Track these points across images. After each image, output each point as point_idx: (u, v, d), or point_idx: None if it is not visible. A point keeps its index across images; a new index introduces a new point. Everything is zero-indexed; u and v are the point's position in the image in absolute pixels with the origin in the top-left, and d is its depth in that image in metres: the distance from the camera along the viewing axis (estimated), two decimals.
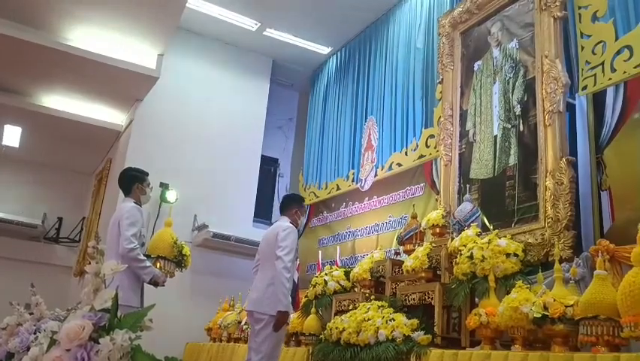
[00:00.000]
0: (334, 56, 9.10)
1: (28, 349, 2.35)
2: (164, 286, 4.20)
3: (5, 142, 9.23)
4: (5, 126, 8.76)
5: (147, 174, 4.43)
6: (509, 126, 4.98)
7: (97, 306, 1.38)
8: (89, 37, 6.87)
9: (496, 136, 5.11)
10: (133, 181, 4.30)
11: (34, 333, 2.64)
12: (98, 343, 1.24)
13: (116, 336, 1.24)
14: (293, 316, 5.60)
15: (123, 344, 1.23)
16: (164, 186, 7.77)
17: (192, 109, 8.41)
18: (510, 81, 5.07)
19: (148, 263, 4.05)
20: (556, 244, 4.01)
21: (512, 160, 4.87)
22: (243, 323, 6.14)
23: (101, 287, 1.42)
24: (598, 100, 4.44)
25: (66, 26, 6.69)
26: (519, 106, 4.90)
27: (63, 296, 8.30)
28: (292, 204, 4.53)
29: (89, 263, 1.48)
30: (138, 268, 3.97)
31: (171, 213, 7.77)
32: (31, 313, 3.08)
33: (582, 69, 4.58)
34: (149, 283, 4.09)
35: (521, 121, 4.85)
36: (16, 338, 2.69)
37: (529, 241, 4.33)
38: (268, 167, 9.39)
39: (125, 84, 7.56)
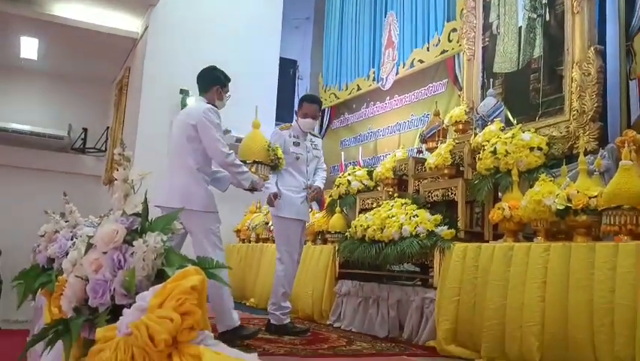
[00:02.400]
0: None
1: (66, 254, 2.46)
2: (261, 191, 3.98)
3: (23, 55, 9.19)
4: (22, 38, 8.69)
5: (229, 80, 4.02)
6: (535, 16, 4.78)
7: (128, 211, 1.42)
8: None
9: (520, 27, 4.92)
10: (214, 82, 3.88)
11: (71, 239, 2.75)
12: (132, 245, 1.29)
13: (149, 238, 1.29)
14: (319, 215, 5.73)
15: (156, 246, 1.28)
16: (184, 93, 7.74)
17: (207, 12, 8.19)
18: None
19: (245, 168, 3.75)
20: (582, 137, 3.97)
21: (537, 52, 4.73)
22: (270, 224, 6.31)
23: (130, 193, 1.46)
24: None
25: None
26: None
27: (94, 204, 8.53)
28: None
29: (117, 170, 1.51)
30: (237, 174, 3.67)
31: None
32: (66, 221, 3.19)
33: None
34: (247, 189, 3.82)
35: (548, 10, 4.65)
36: (55, 244, 2.81)
37: (554, 134, 4.29)
38: (287, 69, 9.24)
39: None
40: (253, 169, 3.84)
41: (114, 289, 1.26)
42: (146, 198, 1.43)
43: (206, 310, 1.06)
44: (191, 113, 3.69)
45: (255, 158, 3.89)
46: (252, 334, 3.60)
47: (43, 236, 3.28)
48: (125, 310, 1.09)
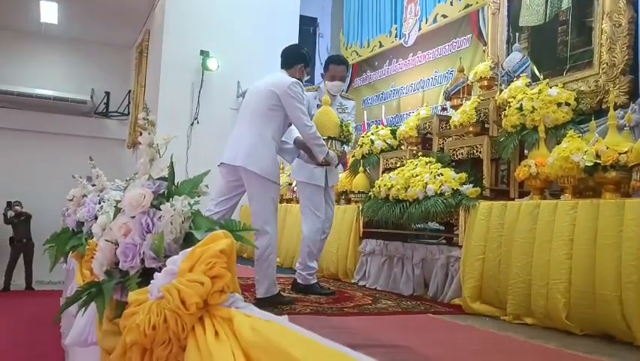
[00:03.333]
0: None
1: (95, 217, 2.50)
2: (331, 165, 4.04)
3: (44, 19, 9.21)
4: (41, 2, 8.68)
5: (311, 61, 4.06)
6: None
7: (154, 175, 1.43)
8: None
9: None
10: (299, 60, 3.89)
11: (99, 203, 2.80)
12: (160, 209, 1.30)
13: (176, 202, 1.29)
14: (342, 175, 5.72)
15: (183, 209, 1.28)
16: (204, 54, 7.70)
17: None
18: None
19: (323, 142, 3.82)
20: (611, 91, 3.87)
21: (565, 3, 4.58)
22: (293, 185, 6.33)
23: (155, 157, 1.46)
24: None
25: None
26: None
27: (119, 167, 8.64)
28: None
29: (141, 134, 1.51)
30: (316, 146, 3.77)
31: (214, 81, 7.80)
32: (93, 185, 3.24)
33: None
34: (318, 163, 3.89)
35: None
36: (83, 208, 2.86)
37: (582, 88, 4.19)
38: (307, 27, 9.09)
39: None
40: (328, 145, 3.91)
41: (144, 253, 1.28)
42: (172, 163, 1.43)
43: (236, 273, 1.07)
44: (276, 82, 3.69)
45: (330, 134, 3.95)
46: (289, 302, 3.67)
47: (71, 200, 3.34)
48: (157, 274, 1.10)
